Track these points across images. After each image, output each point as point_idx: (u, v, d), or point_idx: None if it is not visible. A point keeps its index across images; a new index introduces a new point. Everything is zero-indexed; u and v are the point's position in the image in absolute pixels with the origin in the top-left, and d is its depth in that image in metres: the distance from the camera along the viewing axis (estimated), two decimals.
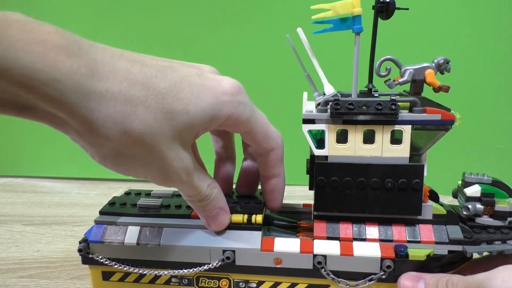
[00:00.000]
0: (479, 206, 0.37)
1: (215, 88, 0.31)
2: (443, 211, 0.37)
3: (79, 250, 0.38)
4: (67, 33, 0.26)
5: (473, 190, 0.38)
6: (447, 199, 0.41)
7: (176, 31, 0.77)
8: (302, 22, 0.39)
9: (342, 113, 0.35)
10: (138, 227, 0.38)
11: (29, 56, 0.23)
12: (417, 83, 0.36)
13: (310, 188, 0.39)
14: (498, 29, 0.67)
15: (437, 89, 0.36)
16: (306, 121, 0.36)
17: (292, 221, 0.43)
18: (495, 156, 0.68)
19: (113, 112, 0.26)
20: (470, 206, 0.37)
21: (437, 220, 0.37)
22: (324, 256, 0.36)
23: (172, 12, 0.76)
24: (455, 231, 0.36)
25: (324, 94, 0.39)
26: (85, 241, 0.38)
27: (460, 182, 0.40)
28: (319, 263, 0.36)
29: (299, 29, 0.38)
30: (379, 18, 0.37)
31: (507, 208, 0.37)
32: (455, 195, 0.41)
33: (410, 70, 0.36)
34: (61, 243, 0.55)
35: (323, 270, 0.36)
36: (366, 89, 0.40)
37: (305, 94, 0.40)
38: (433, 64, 0.35)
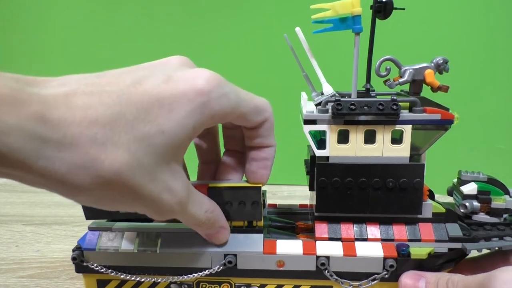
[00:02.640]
0: (476, 203, 0.38)
1: (188, 92, 0.27)
2: (442, 209, 0.37)
3: (73, 259, 0.36)
4: (9, 77, 0.22)
5: (470, 188, 0.38)
6: (448, 199, 0.41)
7: (174, 30, 0.76)
8: (301, 21, 0.38)
9: (343, 113, 0.35)
10: (135, 233, 0.37)
11: None
12: (417, 83, 0.36)
13: (311, 189, 0.39)
14: (499, 28, 0.68)
15: (436, 89, 0.36)
16: (307, 122, 0.36)
17: (290, 222, 0.43)
18: (495, 156, 0.68)
19: (77, 157, 0.23)
20: (467, 204, 0.38)
21: (436, 218, 0.37)
22: (327, 257, 0.36)
23: (170, 10, 0.75)
24: (454, 229, 0.37)
25: (322, 94, 0.39)
26: (78, 248, 0.37)
27: (455, 180, 0.41)
28: (323, 264, 0.35)
29: (297, 29, 0.38)
30: (376, 18, 0.37)
31: (503, 205, 0.38)
32: (450, 193, 0.42)
33: (410, 70, 0.36)
34: (61, 243, 0.54)
35: (326, 271, 0.36)
36: (364, 89, 0.40)
37: (304, 95, 0.40)
38: (432, 64, 0.36)
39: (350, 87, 0.38)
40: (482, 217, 0.38)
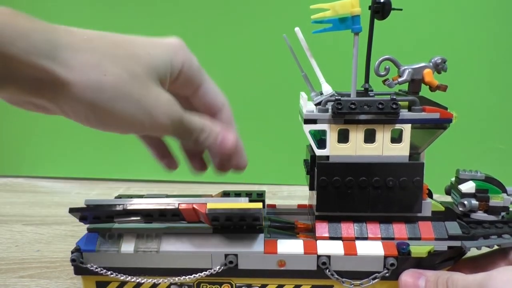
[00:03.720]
0: (474, 202, 0.38)
1: (164, 41, 0.34)
2: (441, 208, 0.38)
3: (72, 260, 0.36)
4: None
5: (468, 187, 0.39)
6: (446, 198, 0.42)
7: (174, 31, 0.76)
8: (300, 21, 0.38)
9: (344, 112, 0.35)
10: (134, 234, 0.37)
11: None
12: (415, 83, 0.36)
13: (311, 189, 0.39)
14: (499, 28, 0.67)
15: (434, 88, 0.36)
16: (308, 121, 0.36)
17: (289, 222, 0.43)
18: (495, 156, 0.68)
19: (86, 59, 0.28)
20: (466, 202, 0.38)
21: (435, 217, 0.37)
22: (328, 257, 0.36)
23: (170, 10, 0.77)
24: (454, 227, 0.37)
25: (321, 94, 0.39)
26: (78, 250, 0.36)
27: (453, 179, 0.41)
28: (324, 263, 0.35)
29: (296, 29, 0.38)
30: (375, 19, 0.38)
31: (501, 203, 0.38)
32: (448, 192, 0.42)
33: (409, 70, 0.36)
34: (61, 243, 0.54)
35: (327, 270, 0.36)
36: (362, 88, 0.40)
37: (303, 94, 0.40)
38: (431, 64, 0.36)
39: (349, 87, 0.38)
40: (480, 215, 0.38)
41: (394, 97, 0.35)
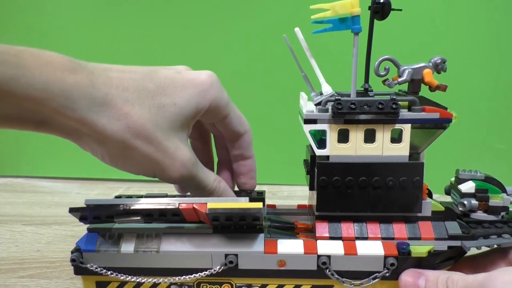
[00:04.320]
0: (474, 202, 0.38)
1: (195, 80, 0.35)
2: (441, 207, 0.38)
3: (72, 260, 0.36)
4: (65, 56, 0.30)
5: (468, 187, 0.39)
6: (446, 198, 0.42)
7: (174, 31, 0.77)
8: (299, 22, 0.38)
9: (344, 112, 0.35)
10: (135, 234, 0.37)
11: (43, 76, 0.28)
12: (415, 83, 0.36)
13: (311, 189, 0.39)
14: (500, 28, 0.68)
15: (434, 89, 0.37)
16: (308, 121, 0.36)
17: (289, 222, 0.43)
18: (495, 156, 0.68)
19: (115, 111, 0.31)
20: (465, 202, 0.38)
21: (435, 216, 0.37)
22: (328, 257, 0.36)
23: (170, 11, 0.77)
24: (454, 227, 0.37)
25: (321, 94, 0.39)
26: (78, 250, 0.36)
27: (453, 179, 0.41)
28: (324, 263, 0.35)
29: (296, 29, 0.38)
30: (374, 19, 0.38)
31: (501, 203, 0.38)
32: (448, 192, 0.42)
33: (409, 70, 0.36)
34: (61, 243, 0.54)
35: (327, 270, 0.36)
36: (362, 89, 0.40)
37: (303, 95, 0.40)
38: (431, 64, 0.36)
39: (349, 87, 0.38)
40: (480, 215, 0.38)
41: (394, 97, 0.35)
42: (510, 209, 0.39)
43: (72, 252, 0.36)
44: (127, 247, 0.36)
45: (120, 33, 0.78)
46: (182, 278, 0.36)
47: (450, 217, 0.38)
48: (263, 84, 0.73)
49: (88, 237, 0.37)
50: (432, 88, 0.37)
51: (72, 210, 0.35)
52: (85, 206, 0.35)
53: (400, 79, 0.36)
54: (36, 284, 0.45)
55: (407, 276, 0.35)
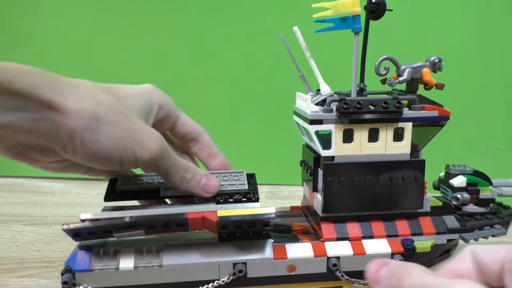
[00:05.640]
0: (466, 195, 0.40)
1: (140, 86, 0.39)
2: (439, 202, 0.39)
3: (64, 283, 0.32)
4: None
5: (460, 181, 0.40)
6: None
7: (172, 30, 0.76)
8: (297, 21, 0.38)
9: (350, 112, 0.35)
10: (133, 249, 0.34)
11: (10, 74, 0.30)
12: (414, 82, 0.37)
13: (314, 190, 0.38)
14: (499, 28, 0.66)
15: (430, 87, 0.38)
16: (314, 122, 0.35)
17: (285, 224, 0.42)
18: (495, 156, 0.67)
19: (82, 91, 0.32)
20: (459, 196, 0.40)
21: (434, 212, 0.38)
22: (338, 258, 0.35)
23: (168, 11, 0.76)
24: (451, 221, 0.38)
25: (318, 93, 0.39)
26: (68, 271, 0.33)
27: (442, 174, 0.43)
28: (335, 265, 0.35)
29: (295, 28, 0.37)
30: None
31: (490, 195, 0.40)
32: (437, 187, 0.44)
33: (409, 69, 0.37)
34: (61, 243, 0.54)
35: (337, 272, 0.35)
36: (358, 88, 0.40)
37: (301, 94, 0.39)
38: (428, 63, 0.37)
39: (343, 86, 0.38)
40: (471, 207, 0.40)
41: (397, 96, 0.35)
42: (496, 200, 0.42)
43: (62, 274, 0.33)
44: (126, 264, 0.33)
45: (119, 33, 0.77)
46: None
47: (447, 211, 0.39)
48: (263, 84, 0.73)
49: (80, 255, 0.34)
50: (428, 87, 0.38)
51: (66, 230, 0.32)
52: (80, 222, 0.32)
53: (401, 78, 0.37)
54: (36, 283, 0.44)
55: (373, 264, 0.33)
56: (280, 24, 0.68)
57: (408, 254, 0.36)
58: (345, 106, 0.35)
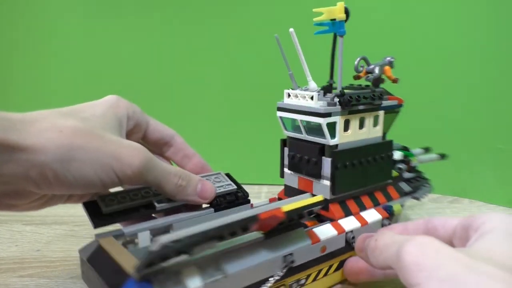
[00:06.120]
0: (404, 165, 0.51)
1: (101, 101, 0.38)
2: (396, 173, 0.48)
3: None
4: None
5: (398, 155, 0.51)
6: (447, 199, 0.52)
7: (172, 31, 0.76)
8: (296, 21, 0.41)
9: (353, 104, 0.40)
10: (194, 265, 0.31)
11: None
12: (379, 77, 0.45)
13: (317, 178, 0.42)
14: (499, 27, 0.65)
15: (377, 82, 0.46)
16: (325, 115, 0.39)
17: None
18: (495, 156, 0.66)
19: (39, 124, 0.31)
20: (401, 166, 0.51)
21: (394, 182, 0.48)
22: (352, 231, 0.41)
23: (163, 9, 0.76)
24: (405, 186, 0.49)
25: (306, 90, 0.43)
26: None
27: None
28: (353, 237, 0.40)
29: (291, 30, 0.40)
30: None
31: (416, 163, 0.53)
32: None
33: (378, 67, 0.45)
34: (61, 243, 0.54)
35: (353, 243, 0.40)
36: (327, 84, 0.46)
37: (304, 92, 0.42)
38: (387, 61, 0.46)
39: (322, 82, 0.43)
40: (408, 174, 0.52)
41: (374, 89, 0.43)
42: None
43: None
44: (194, 283, 0.30)
45: (117, 33, 0.77)
46: None
47: (400, 179, 0.49)
48: (262, 84, 0.71)
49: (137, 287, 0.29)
50: (379, 81, 0.46)
51: (141, 269, 0.27)
52: (158, 249, 0.27)
53: (374, 74, 0.44)
54: (36, 283, 0.44)
55: (359, 238, 0.37)
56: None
57: (390, 217, 0.44)
58: (350, 99, 0.40)
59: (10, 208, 0.35)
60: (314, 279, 0.39)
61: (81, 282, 0.36)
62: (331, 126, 0.41)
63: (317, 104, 0.40)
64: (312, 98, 0.41)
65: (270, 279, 0.34)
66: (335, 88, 0.45)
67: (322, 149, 0.42)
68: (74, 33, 0.78)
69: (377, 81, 0.46)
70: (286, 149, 0.46)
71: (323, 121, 0.39)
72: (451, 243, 0.33)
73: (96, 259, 0.33)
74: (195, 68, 0.76)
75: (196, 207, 0.41)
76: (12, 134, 0.29)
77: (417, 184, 0.51)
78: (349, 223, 0.41)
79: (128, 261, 0.30)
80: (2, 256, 0.50)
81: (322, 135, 0.41)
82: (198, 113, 0.78)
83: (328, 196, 0.42)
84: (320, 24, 0.40)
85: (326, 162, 0.41)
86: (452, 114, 0.55)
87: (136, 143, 0.35)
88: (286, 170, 0.46)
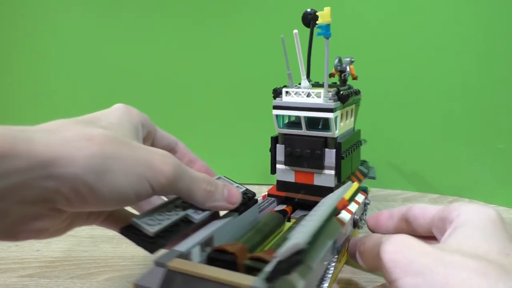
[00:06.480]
0: None
1: (112, 109, 0.36)
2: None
3: None
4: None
5: None
6: (447, 199, 0.58)
7: (172, 31, 0.75)
8: (296, 22, 0.43)
9: (350, 99, 0.45)
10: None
11: None
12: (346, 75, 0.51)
13: (320, 168, 0.45)
14: (499, 27, 0.64)
15: (342, 78, 0.52)
16: (332, 110, 0.43)
17: (284, 210, 0.46)
18: (495, 156, 0.66)
19: (62, 135, 0.28)
20: None
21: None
22: (355, 213, 0.46)
23: (164, 9, 0.74)
24: (364, 169, 0.56)
25: (299, 87, 0.46)
26: None
27: None
28: (360, 218, 0.45)
29: (295, 31, 0.42)
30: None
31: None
32: None
33: (348, 66, 0.50)
34: (61, 243, 0.53)
35: (359, 224, 0.46)
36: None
37: (309, 90, 0.44)
38: (349, 61, 0.52)
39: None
40: None
41: (349, 86, 0.49)
42: None
43: None
44: (301, 282, 0.30)
45: (117, 33, 0.76)
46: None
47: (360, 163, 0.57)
48: (263, 84, 0.58)
49: None
50: (343, 78, 0.53)
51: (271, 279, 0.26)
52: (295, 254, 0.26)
53: (347, 72, 0.50)
54: (36, 283, 0.44)
55: (350, 243, 0.40)
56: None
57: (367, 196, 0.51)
58: (350, 95, 0.45)
59: (38, 234, 0.30)
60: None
61: (81, 282, 0.35)
62: (335, 120, 0.45)
63: (324, 101, 0.43)
64: (315, 95, 0.44)
65: (329, 266, 0.37)
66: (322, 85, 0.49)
67: (325, 142, 0.45)
68: (74, 33, 0.77)
69: (346, 78, 0.52)
70: (279, 146, 0.47)
71: (332, 116, 0.43)
72: (430, 232, 0.36)
73: (182, 285, 0.29)
74: (195, 68, 0.75)
75: (218, 214, 0.39)
76: (36, 145, 0.25)
77: (366, 166, 0.60)
78: (352, 206, 0.46)
79: (235, 277, 0.28)
80: (2, 256, 0.50)
81: (324, 129, 0.44)
82: (198, 113, 0.77)
83: (332, 184, 0.46)
84: (319, 27, 0.44)
85: (329, 153, 0.45)
86: (452, 114, 0.60)
87: (162, 150, 0.33)
88: (279, 166, 0.48)
